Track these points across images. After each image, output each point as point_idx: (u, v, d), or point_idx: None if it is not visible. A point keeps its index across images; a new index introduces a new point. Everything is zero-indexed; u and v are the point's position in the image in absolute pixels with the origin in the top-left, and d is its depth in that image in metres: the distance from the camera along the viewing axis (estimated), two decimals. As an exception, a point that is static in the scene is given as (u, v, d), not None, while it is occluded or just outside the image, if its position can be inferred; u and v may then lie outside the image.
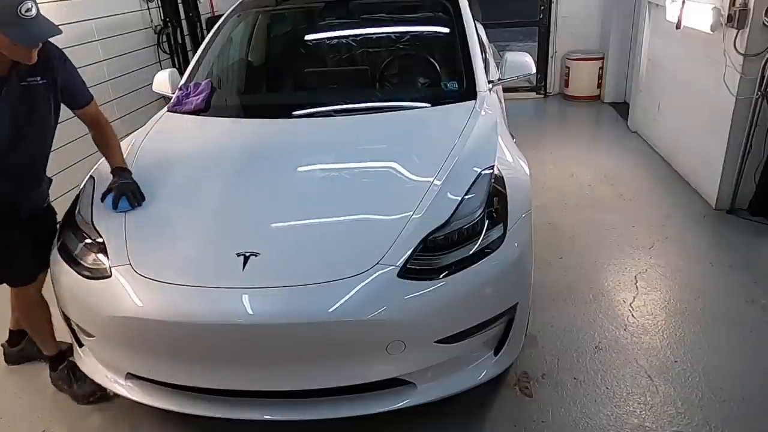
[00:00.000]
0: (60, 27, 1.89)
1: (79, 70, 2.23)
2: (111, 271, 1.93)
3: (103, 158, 2.35)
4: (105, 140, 2.33)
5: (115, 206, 2.12)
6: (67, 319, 2.14)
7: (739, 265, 3.12)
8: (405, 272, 1.84)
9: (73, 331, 2.16)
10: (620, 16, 5.96)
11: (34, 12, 1.82)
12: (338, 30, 3.58)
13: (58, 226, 2.32)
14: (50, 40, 1.97)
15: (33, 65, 1.95)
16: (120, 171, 2.24)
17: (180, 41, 5.61)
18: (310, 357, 1.86)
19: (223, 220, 2.07)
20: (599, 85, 6.46)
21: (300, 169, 2.36)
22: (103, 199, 2.18)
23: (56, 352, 2.43)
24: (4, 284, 2.27)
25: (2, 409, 2.41)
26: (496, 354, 2.07)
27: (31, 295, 2.27)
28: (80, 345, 2.20)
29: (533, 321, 2.41)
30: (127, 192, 2.16)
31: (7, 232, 2.13)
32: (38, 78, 2.01)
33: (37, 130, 2.10)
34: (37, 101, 2.05)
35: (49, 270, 2.18)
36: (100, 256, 2.00)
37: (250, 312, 1.79)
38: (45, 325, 2.36)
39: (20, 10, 1.78)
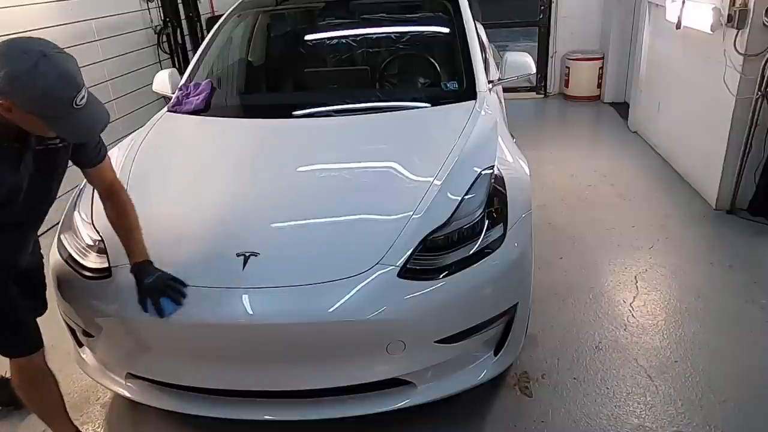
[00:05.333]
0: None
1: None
2: (111, 271, 1.93)
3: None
4: (123, 220, 1.89)
5: (161, 314, 1.76)
6: (67, 320, 2.14)
7: (739, 265, 3.12)
8: (405, 272, 1.84)
9: (73, 331, 2.15)
10: (620, 16, 5.96)
11: (85, 100, 1.49)
12: (338, 30, 3.58)
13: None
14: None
15: None
16: (143, 265, 1.84)
17: (180, 41, 5.63)
18: (310, 357, 1.87)
19: (223, 220, 2.07)
20: (599, 85, 6.46)
21: (300, 169, 2.36)
22: (145, 308, 1.78)
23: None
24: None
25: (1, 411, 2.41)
26: (496, 354, 2.07)
27: (41, 365, 1.90)
28: (80, 345, 2.19)
29: (533, 321, 2.41)
30: (164, 289, 1.79)
31: (7, 291, 1.79)
32: (57, 141, 1.68)
33: (51, 192, 1.83)
34: (54, 163, 1.75)
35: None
36: (100, 256, 1.99)
37: (250, 312, 1.79)
38: (58, 401, 2.01)
39: (75, 101, 1.45)
